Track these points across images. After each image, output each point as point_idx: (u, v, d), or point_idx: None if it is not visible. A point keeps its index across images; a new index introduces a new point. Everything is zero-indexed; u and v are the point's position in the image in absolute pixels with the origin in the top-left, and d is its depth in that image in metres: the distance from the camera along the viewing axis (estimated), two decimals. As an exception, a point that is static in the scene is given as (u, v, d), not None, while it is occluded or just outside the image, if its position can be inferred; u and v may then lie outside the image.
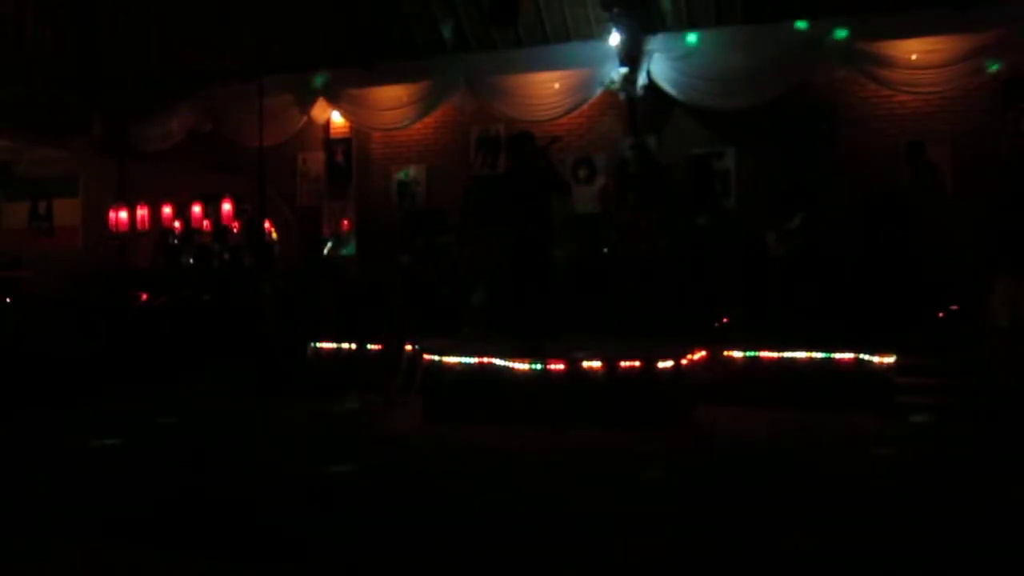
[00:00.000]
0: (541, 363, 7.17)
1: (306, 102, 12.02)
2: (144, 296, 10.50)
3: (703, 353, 7.80)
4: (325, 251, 11.34)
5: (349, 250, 11.78)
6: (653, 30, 10.37)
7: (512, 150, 7.97)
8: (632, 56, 10.26)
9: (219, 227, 11.47)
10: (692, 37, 10.18)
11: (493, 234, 9.01)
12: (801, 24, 9.77)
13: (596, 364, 7.06)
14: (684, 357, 7.31)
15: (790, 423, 6.98)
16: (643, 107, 10.47)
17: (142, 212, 12.06)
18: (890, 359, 7.44)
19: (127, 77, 12.74)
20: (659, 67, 10.32)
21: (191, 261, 11.51)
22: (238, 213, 11.30)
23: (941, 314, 8.56)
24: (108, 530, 4.36)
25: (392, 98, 11.76)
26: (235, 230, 11.35)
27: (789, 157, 10.08)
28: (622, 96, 10.50)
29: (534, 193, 7.87)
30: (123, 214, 12.04)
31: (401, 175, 11.84)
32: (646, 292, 9.15)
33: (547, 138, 8.32)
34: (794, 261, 8.59)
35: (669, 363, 7.11)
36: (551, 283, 8.33)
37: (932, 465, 5.65)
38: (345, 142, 12.33)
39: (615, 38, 10.22)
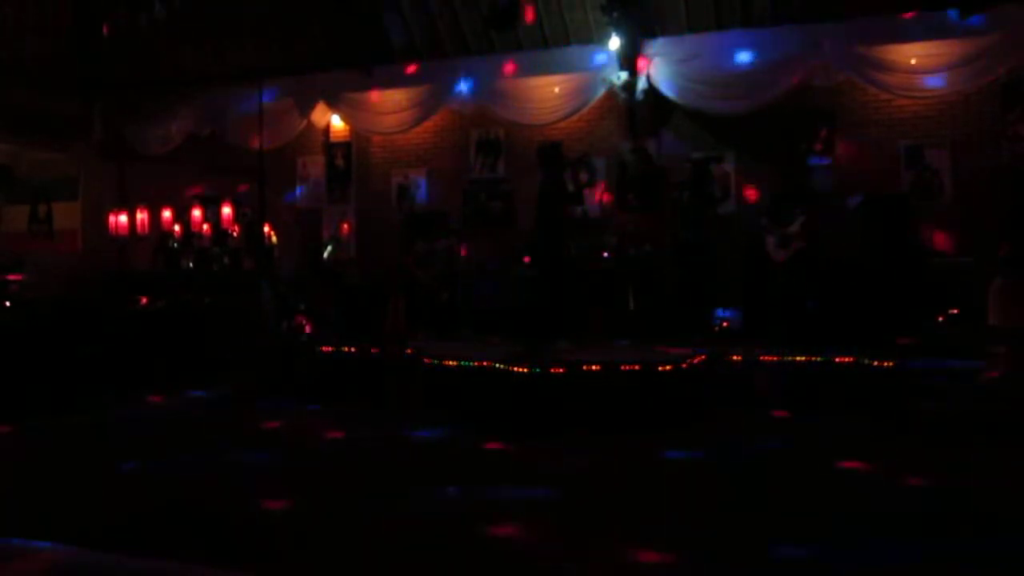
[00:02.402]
0: (541, 367, 7.16)
1: (306, 106, 12.06)
2: (144, 299, 10.48)
3: (704, 356, 7.80)
4: (325, 254, 11.36)
5: (345, 250, 11.82)
6: (652, 34, 10.41)
7: (544, 161, 8.39)
8: (632, 60, 10.30)
9: (219, 231, 11.47)
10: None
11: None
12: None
13: (596, 368, 7.06)
14: (685, 361, 7.31)
15: (791, 425, 6.97)
16: (642, 111, 10.51)
17: (142, 216, 12.05)
18: (890, 362, 7.44)
19: (127, 80, 12.77)
20: (658, 71, 10.36)
21: (191, 264, 11.52)
22: (238, 217, 11.31)
23: (940, 318, 8.59)
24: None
25: (392, 102, 11.79)
26: (235, 234, 11.35)
27: (788, 161, 10.11)
28: (622, 100, 10.53)
29: (554, 203, 8.04)
30: (123, 218, 12.05)
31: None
32: (647, 295, 9.18)
33: (576, 154, 9.10)
34: (794, 264, 8.61)
35: (669, 367, 7.11)
36: (565, 290, 8.42)
37: (932, 467, 5.65)
38: (345, 146, 12.37)
39: (615, 42, 10.25)
